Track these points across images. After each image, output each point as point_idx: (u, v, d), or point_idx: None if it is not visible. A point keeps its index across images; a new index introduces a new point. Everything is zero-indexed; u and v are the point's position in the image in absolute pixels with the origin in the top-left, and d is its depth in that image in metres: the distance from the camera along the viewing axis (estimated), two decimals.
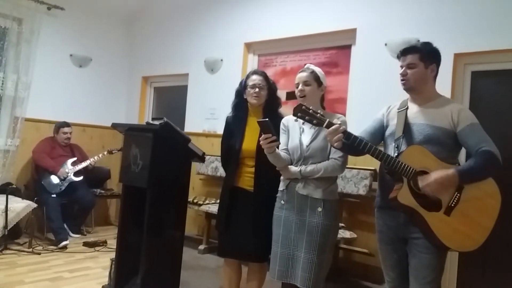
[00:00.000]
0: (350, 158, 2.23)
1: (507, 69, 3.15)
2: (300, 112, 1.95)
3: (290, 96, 4.23)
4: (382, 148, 2.04)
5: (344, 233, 3.43)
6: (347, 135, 1.90)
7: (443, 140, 1.91)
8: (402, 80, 2.02)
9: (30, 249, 3.99)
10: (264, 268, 2.54)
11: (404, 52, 2.01)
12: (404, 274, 2.00)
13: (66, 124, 4.72)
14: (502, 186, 1.89)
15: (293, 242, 2.19)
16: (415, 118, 1.99)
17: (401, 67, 2.02)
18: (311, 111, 1.94)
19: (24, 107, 4.65)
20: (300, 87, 2.25)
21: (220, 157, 2.80)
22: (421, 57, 1.97)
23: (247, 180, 2.51)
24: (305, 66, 2.32)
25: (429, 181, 1.82)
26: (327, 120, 1.92)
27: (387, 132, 2.10)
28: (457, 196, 1.86)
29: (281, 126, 2.37)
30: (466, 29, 3.21)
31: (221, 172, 4.40)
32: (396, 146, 1.97)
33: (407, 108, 2.03)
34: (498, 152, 1.85)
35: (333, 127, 1.90)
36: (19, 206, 3.99)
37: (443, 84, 2.92)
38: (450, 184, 1.83)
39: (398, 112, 2.06)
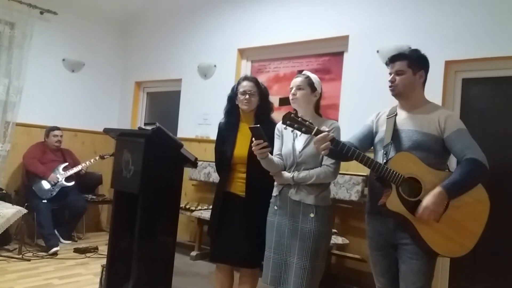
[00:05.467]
0: (343, 164, 2.24)
1: (498, 76, 3.20)
2: (289, 120, 1.95)
3: (283, 102, 4.25)
4: (372, 155, 2.06)
5: (336, 239, 3.43)
6: (335, 142, 1.91)
7: (431, 146, 1.92)
8: (390, 86, 2.04)
9: (20, 256, 3.94)
10: (256, 274, 2.54)
11: (392, 59, 2.04)
12: (395, 280, 2.00)
13: (57, 128, 4.70)
14: (491, 192, 1.90)
15: (286, 248, 2.19)
16: (404, 124, 2.01)
17: (390, 74, 2.05)
18: (300, 119, 1.94)
19: (15, 112, 4.62)
20: (293, 91, 2.27)
21: (212, 163, 2.80)
22: (409, 64, 2.00)
23: (239, 185, 2.52)
24: (302, 72, 2.35)
25: (420, 211, 1.83)
26: (316, 128, 1.93)
27: (377, 139, 2.12)
28: (446, 202, 1.87)
29: (276, 131, 2.39)
30: (457, 36, 3.25)
31: (214, 177, 4.39)
32: (384, 152, 1.98)
33: (396, 115, 2.05)
34: (485, 157, 1.86)
35: (321, 135, 1.90)
36: (9, 211, 3.93)
37: (434, 91, 2.96)
38: (440, 201, 1.83)
39: (387, 118, 2.07)
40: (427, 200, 1.83)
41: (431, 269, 1.95)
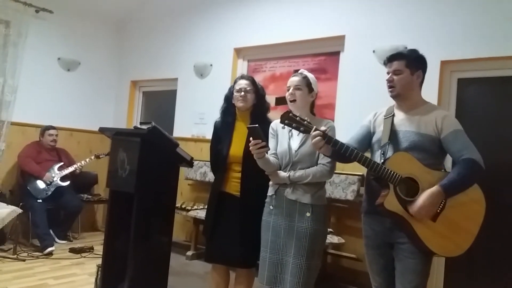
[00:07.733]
0: (339, 163, 2.24)
1: (493, 76, 3.21)
2: (287, 119, 1.96)
3: (279, 101, 4.25)
4: (369, 154, 2.06)
5: (332, 238, 3.44)
6: (333, 142, 1.91)
7: (428, 147, 1.93)
8: (389, 87, 2.04)
9: (15, 256, 3.92)
10: (251, 274, 2.53)
11: (390, 59, 2.04)
12: (391, 279, 2.01)
13: (52, 127, 4.68)
14: (486, 192, 1.91)
15: (282, 247, 2.19)
16: (401, 125, 2.01)
17: (388, 73, 2.05)
18: (298, 118, 1.95)
19: (10, 111, 4.58)
20: (290, 90, 2.26)
21: (208, 162, 2.79)
22: (407, 64, 1.99)
23: (234, 185, 2.51)
24: (299, 71, 2.34)
25: (416, 208, 1.83)
26: (314, 127, 1.93)
27: (374, 139, 2.12)
28: (442, 202, 1.87)
29: (270, 130, 2.38)
30: (453, 36, 3.26)
31: (210, 177, 4.38)
32: (382, 152, 1.98)
33: (393, 115, 2.05)
34: (481, 158, 1.87)
35: (315, 136, 1.90)
36: (4, 211, 3.90)
37: (430, 91, 2.96)
38: (437, 201, 1.84)
39: (384, 119, 2.07)
40: (423, 198, 1.83)
41: (427, 268, 1.96)
